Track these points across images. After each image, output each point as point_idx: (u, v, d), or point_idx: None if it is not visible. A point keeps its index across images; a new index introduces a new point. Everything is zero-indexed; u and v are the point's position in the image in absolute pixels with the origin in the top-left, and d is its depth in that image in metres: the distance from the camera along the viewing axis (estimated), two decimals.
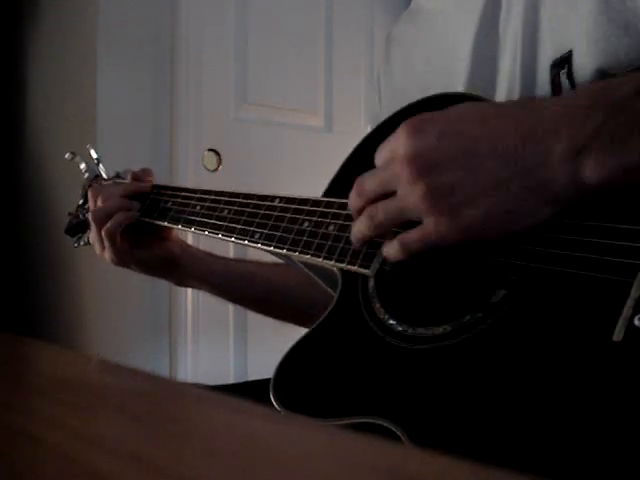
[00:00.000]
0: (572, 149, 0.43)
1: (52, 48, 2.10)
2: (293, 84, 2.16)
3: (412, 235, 0.50)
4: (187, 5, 1.96)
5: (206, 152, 2.00)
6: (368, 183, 0.52)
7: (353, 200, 0.54)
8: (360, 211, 0.54)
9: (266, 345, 1.79)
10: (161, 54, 1.96)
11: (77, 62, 1.98)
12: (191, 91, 1.97)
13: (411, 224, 0.50)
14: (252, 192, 0.75)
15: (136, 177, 0.91)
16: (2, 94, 2.26)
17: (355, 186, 0.54)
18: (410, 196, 0.48)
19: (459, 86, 0.68)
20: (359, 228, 0.54)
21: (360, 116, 2.28)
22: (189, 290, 1.89)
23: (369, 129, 0.70)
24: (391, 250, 0.52)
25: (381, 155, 0.52)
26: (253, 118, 2.08)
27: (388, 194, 0.51)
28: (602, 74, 0.54)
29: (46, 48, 2.14)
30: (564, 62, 0.57)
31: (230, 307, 1.95)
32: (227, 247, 1.85)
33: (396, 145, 0.49)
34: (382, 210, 0.51)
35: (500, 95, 0.64)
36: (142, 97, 1.94)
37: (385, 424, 0.47)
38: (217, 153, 2.02)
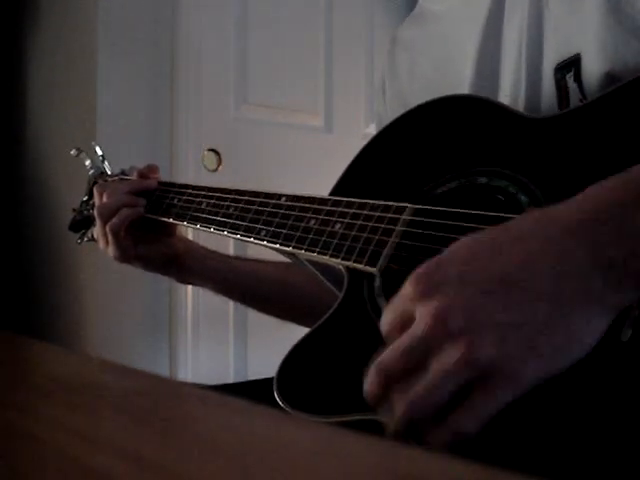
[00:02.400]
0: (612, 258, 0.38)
1: (52, 48, 2.10)
2: (293, 84, 2.16)
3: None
4: (187, 5, 1.96)
5: (206, 152, 2.00)
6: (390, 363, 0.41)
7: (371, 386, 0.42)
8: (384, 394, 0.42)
9: (266, 345, 1.79)
10: (161, 54, 1.96)
11: (77, 62, 1.98)
12: (191, 91, 1.97)
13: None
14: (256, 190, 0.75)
15: (142, 174, 0.91)
16: (2, 94, 2.25)
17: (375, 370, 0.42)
18: (451, 359, 0.38)
19: (464, 88, 0.68)
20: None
21: (360, 116, 2.28)
22: (189, 290, 1.89)
23: (372, 129, 0.70)
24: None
25: (390, 319, 0.43)
26: (253, 118, 2.08)
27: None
28: (611, 78, 0.54)
29: (46, 48, 2.14)
30: (570, 65, 0.57)
31: (230, 307, 1.95)
32: (227, 247, 1.85)
33: (411, 302, 0.41)
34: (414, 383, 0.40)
35: (505, 97, 0.64)
36: (142, 97, 1.94)
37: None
38: (217, 153, 2.02)
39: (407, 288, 0.41)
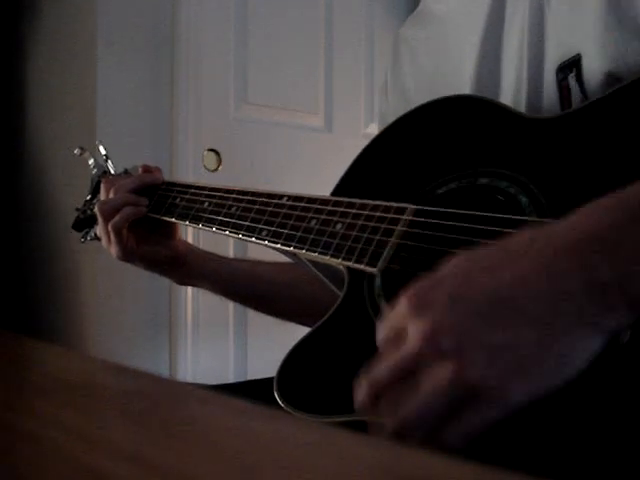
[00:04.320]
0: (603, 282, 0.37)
1: (52, 48, 2.10)
2: (293, 84, 2.16)
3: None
4: (187, 5, 1.96)
5: (206, 152, 2.00)
6: (380, 375, 0.42)
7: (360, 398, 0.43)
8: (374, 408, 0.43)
9: (266, 345, 1.79)
10: (161, 54, 1.96)
11: (77, 62, 1.98)
12: (191, 91, 1.97)
13: None
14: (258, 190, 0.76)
15: (147, 169, 0.91)
16: (2, 94, 2.25)
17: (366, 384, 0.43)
18: (441, 378, 0.38)
19: (466, 89, 0.68)
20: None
21: (360, 116, 2.28)
22: (189, 290, 1.89)
23: (372, 129, 0.70)
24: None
25: (385, 333, 0.43)
26: (253, 118, 2.08)
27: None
28: (612, 78, 0.54)
29: (46, 48, 2.13)
30: (572, 65, 0.57)
31: (230, 307, 1.95)
32: (227, 248, 1.85)
33: (403, 321, 0.41)
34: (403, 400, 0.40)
35: (506, 98, 0.64)
36: (142, 97, 1.94)
37: None
38: (217, 153, 2.02)
39: (401, 305, 0.42)
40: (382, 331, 0.43)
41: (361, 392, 0.42)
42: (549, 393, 0.38)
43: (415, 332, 0.40)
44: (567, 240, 0.39)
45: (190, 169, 1.95)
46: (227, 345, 2.02)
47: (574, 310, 0.38)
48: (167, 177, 0.92)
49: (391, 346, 0.42)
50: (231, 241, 1.83)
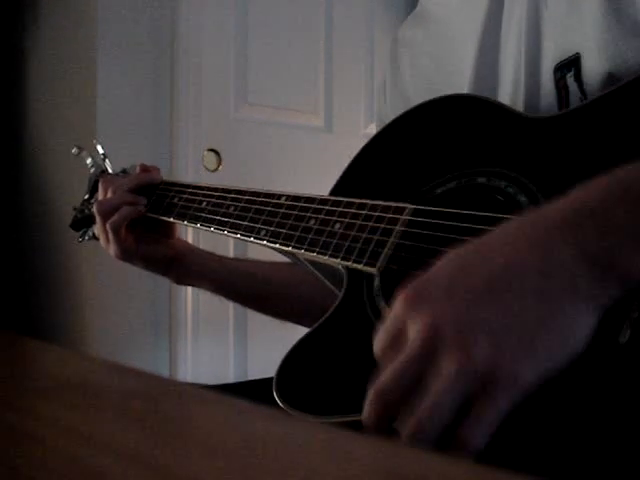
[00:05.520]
0: (595, 256, 0.38)
1: (52, 48, 2.10)
2: (293, 84, 2.16)
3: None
4: (187, 5, 1.96)
5: (206, 152, 2.00)
6: (385, 385, 0.40)
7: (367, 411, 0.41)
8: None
9: (266, 345, 1.79)
10: (161, 54, 1.96)
11: (77, 62, 1.98)
12: (191, 91, 1.97)
13: None
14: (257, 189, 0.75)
15: (145, 169, 0.91)
16: (2, 94, 2.25)
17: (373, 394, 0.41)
18: (449, 373, 0.37)
19: (464, 88, 0.68)
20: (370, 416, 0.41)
21: (360, 116, 2.28)
22: (189, 289, 1.89)
23: (371, 129, 0.70)
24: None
25: (384, 338, 0.42)
26: (253, 118, 2.08)
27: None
28: (611, 77, 0.54)
29: (46, 48, 2.13)
30: (570, 65, 0.57)
31: (230, 307, 1.95)
32: (227, 248, 1.85)
33: (401, 321, 0.41)
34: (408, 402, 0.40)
35: (504, 97, 0.64)
36: (142, 97, 1.94)
37: None
38: (217, 153, 2.02)
39: (397, 308, 0.41)
40: (380, 337, 0.42)
41: (369, 409, 0.41)
42: (556, 373, 0.38)
43: (415, 329, 0.39)
44: (556, 219, 0.40)
45: (190, 169, 1.95)
46: (227, 345, 2.02)
47: (567, 284, 0.38)
48: (167, 177, 0.92)
49: (391, 352, 0.41)
50: (231, 240, 1.83)
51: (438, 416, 0.38)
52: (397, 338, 0.40)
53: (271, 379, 0.54)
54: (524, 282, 0.38)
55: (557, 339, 0.38)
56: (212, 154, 2.01)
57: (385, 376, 0.40)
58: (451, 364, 0.37)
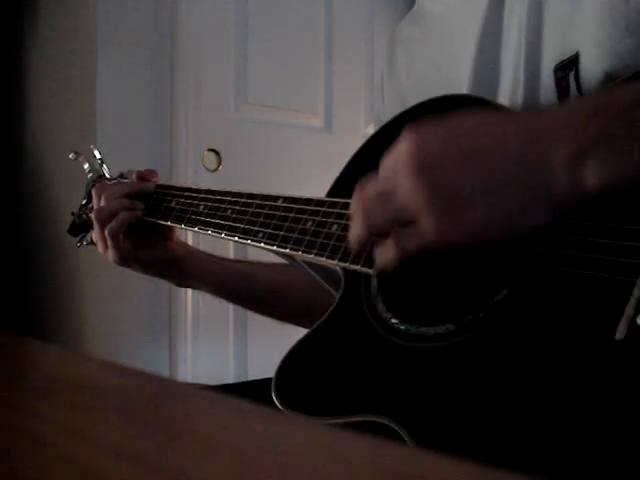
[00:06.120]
0: (574, 154, 0.43)
1: (52, 48, 2.10)
2: (293, 84, 2.16)
3: (409, 235, 0.48)
4: (187, 5, 1.96)
5: (206, 152, 2.00)
6: (369, 185, 0.51)
7: (354, 202, 0.52)
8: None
9: (266, 345, 1.79)
10: (161, 54, 1.96)
11: (77, 62, 1.98)
12: (191, 91, 1.97)
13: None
14: (254, 192, 0.75)
15: (141, 176, 0.91)
16: (2, 94, 2.25)
17: (357, 189, 0.52)
18: (409, 195, 0.46)
19: (463, 87, 0.68)
20: (355, 228, 0.51)
21: (360, 116, 2.28)
22: (189, 290, 1.89)
23: (371, 129, 0.70)
24: (385, 252, 0.50)
25: (384, 163, 0.50)
26: (253, 118, 2.08)
27: (389, 196, 0.49)
28: (609, 76, 0.54)
29: (46, 48, 2.14)
30: (571, 64, 0.57)
31: (230, 307, 1.95)
32: (227, 249, 1.85)
33: (398, 150, 0.48)
34: (380, 209, 0.49)
35: (504, 97, 0.64)
36: (142, 97, 1.94)
37: (387, 422, 0.47)
38: (217, 153, 2.02)
39: (401, 141, 0.48)
40: (385, 159, 0.50)
41: (354, 200, 0.52)
42: (494, 237, 0.46)
43: (403, 156, 0.47)
44: (549, 117, 0.46)
45: (190, 169, 1.95)
46: (227, 345, 2.02)
47: (544, 168, 0.44)
48: (167, 178, 0.92)
49: (387, 170, 0.49)
50: (231, 242, 1.83)
51: (392, 213, 0.49)
52: (394, 162, 0.48)
53: (271, 379, 0.54)
54: (505, 155, 0.45)
55: (507, 218, 0.45)
56: (212, 154, 2.01)
57: (371, 181, 0.51)
58: (419, 186, 0.46)
